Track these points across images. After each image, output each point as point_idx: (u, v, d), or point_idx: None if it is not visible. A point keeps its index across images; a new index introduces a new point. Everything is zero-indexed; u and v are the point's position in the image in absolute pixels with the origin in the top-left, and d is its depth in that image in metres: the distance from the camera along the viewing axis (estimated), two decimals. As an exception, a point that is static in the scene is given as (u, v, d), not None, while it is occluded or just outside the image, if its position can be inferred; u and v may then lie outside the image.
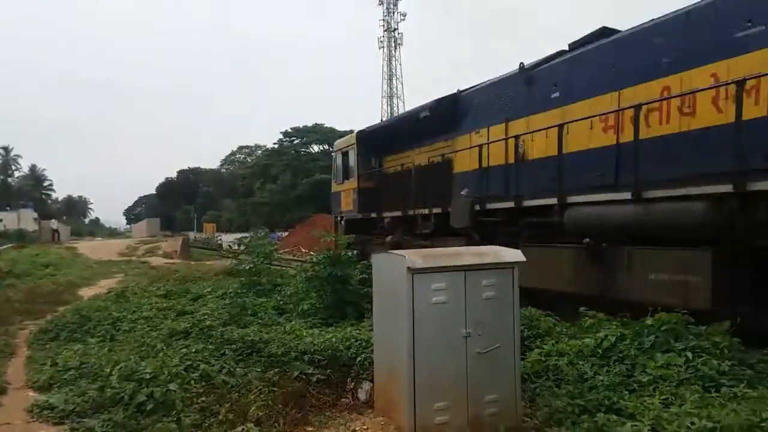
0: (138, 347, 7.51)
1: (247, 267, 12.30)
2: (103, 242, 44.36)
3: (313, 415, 5.21)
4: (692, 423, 3.99)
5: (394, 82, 74.33)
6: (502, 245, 5.77)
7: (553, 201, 9.06)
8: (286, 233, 46.16)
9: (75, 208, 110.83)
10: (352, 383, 6.03)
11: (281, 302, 10.48)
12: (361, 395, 5.75)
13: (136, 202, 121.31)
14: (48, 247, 35.01)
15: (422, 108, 14.10)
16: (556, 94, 9.85)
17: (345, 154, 18.08)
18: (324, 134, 65.92)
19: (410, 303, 4.56)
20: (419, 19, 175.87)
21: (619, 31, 9.31)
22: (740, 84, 6.39)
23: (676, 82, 7.67)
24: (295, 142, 69.39)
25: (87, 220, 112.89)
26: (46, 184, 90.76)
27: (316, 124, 70.18)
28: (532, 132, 10.08)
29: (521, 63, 11.09)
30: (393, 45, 74.25)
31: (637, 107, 7.68)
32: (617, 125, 8.43)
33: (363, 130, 17.67)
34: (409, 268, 4.55)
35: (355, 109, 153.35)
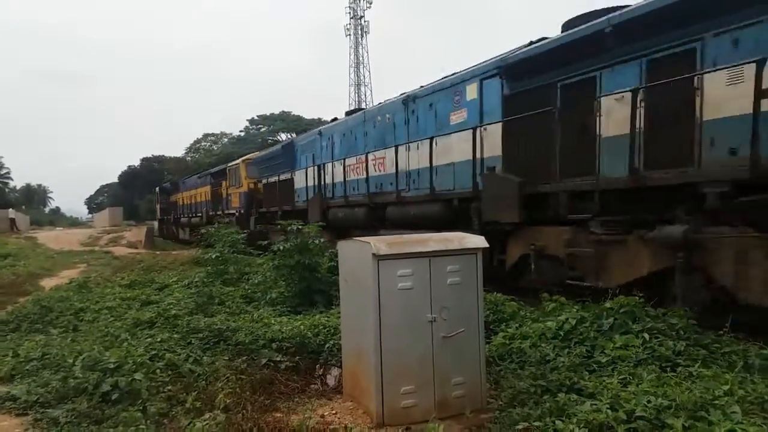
0: (102, 337, 7.41)
1: (214, 256, 12.19)
2: (64, 232, 43.24)
3: (282, 402, 5.22)
4: (649, 401, 4.13)
5: (362, 70, 73.94)
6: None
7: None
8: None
9: (34, 197, 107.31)
10: (321, 369, 6.07)
11: (249, 291, 10.45)
12: (330, 381, 5.80)
13: (97, 190, 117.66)
14: (6, 237, 33.96)
15: (169, 182, 45.18)
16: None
17: (157, 193, 45.14)
18: (291, 122, 65.24)
19: (376, 289, 4.60)
20: (386, 7, 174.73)
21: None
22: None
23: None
24: (262, 129, 68.51)
25: (47, 210, 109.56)
26: (3, 172, 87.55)
27: (283, 111, 69.42)
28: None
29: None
30: (360, 33, 73.76)
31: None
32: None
33: (162, 185, 45.34)
34: (374, 254, 4.58)
35: (324, 97, 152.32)
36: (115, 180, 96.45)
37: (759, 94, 5.71)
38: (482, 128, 9.86)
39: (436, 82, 11.95)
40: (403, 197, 11.95)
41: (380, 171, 13.09)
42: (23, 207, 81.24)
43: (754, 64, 5.69)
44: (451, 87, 11.18)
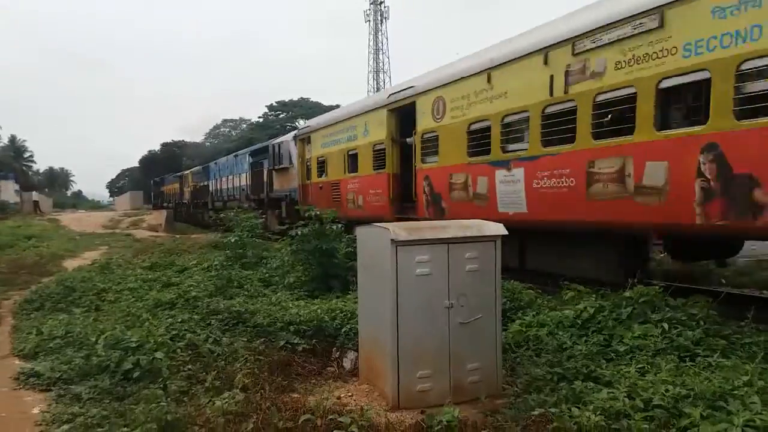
0: (123, 317, 7.55)
1: (233, 240, 12.31)
2: (86, 214, 43.88)
3: (299, 383, 5.29)
4: (667, 390, 4.12)
5: (381, 56, 73.63)
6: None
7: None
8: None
9: (57, 180, 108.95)
10: (338, 353, 6.13)
11: (267, 275, 10.55)
12: (347, 364, 5.85)
13: (119, 174, 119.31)
14: (30, 219, 34.60)
15: (159, 177, 58.86)
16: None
17: (152, 184, 62.27)
18: (310, 108, 65.25)
19: (394, 275, 4.61)
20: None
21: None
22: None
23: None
24: (281, 116, 68.72)
25: (69, 193, 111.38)
26: (26, 155, 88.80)
27: (301, 98, 69.57)
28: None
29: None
30: (379, 18, 73.38)
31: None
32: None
33: (154, 179, 60.81)
34: (392, 240, 4.59)
35: (343, 83, 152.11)
36: (136, 164, 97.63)
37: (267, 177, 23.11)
38: (245, 173, 26.12)
39: (245, 149, 29.14)
40: (231, 198, 27.93)
41: (230, 186, 28.84)
42: (46, 190, 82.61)
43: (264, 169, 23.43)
44: (246, 153, 26.66)
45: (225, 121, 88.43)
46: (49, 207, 58.37)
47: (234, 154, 29.31)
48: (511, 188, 8.69)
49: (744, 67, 5.68)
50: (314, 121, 17.58)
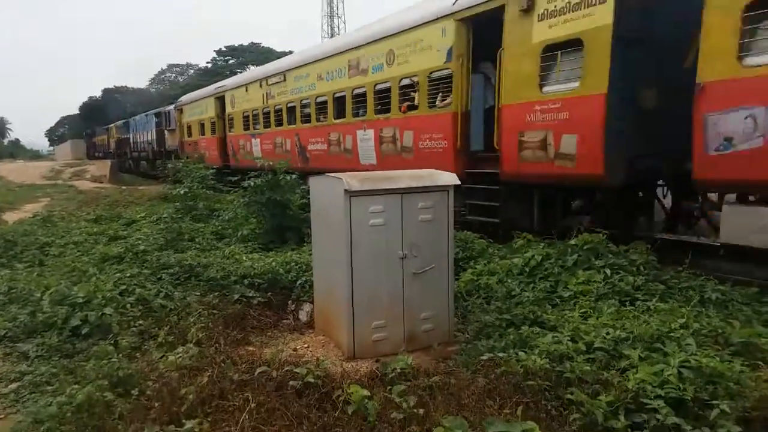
0: (69, 272, 7.33)
1: (182, 192, 12.01)
2: (26, 165, 41.87)
3: (255, 336, 5.32)
4: (608, 333, 4.33)
5: (335, 0, 71.44)
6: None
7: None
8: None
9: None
10: (293, 305, 6.16)
11: (220, 227, 10.38)
12: (302, 316, 5.90)
13: (58, 122, 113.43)
14: (-37, 171, 32.79)
15: (90, 129, 60.83)
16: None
17: (85, 135, 62.37)
18: (261, 53, 63.10)
19: (348, 226, 4.62)
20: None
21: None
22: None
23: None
24: (230, 61, 66.27)
25: (6, 141, 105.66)
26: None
27: (252, 43, 67.12)
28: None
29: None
30: (332, -41, 70.79)
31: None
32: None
33: (86, 131, 62.19)
34: (346, 190, 4.57)
35: (294, 28, 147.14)
36: (76, 111, 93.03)
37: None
38: (152, 130, 31.02)
39: (152, 110, 33.23)
40: (143, 150, 33.71)
41: (143, 139, 33.27)
42: (-20, 139, 78.06)
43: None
44: (152, 114, 31.27)
45: (171, 66, 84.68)
46: (-16, 157, 55.36)
47: (145, 113, 35.18)
48: (257, 147, 16.85)
49: (316, 102, 13.12)
50: (185, 98, 25.35)
